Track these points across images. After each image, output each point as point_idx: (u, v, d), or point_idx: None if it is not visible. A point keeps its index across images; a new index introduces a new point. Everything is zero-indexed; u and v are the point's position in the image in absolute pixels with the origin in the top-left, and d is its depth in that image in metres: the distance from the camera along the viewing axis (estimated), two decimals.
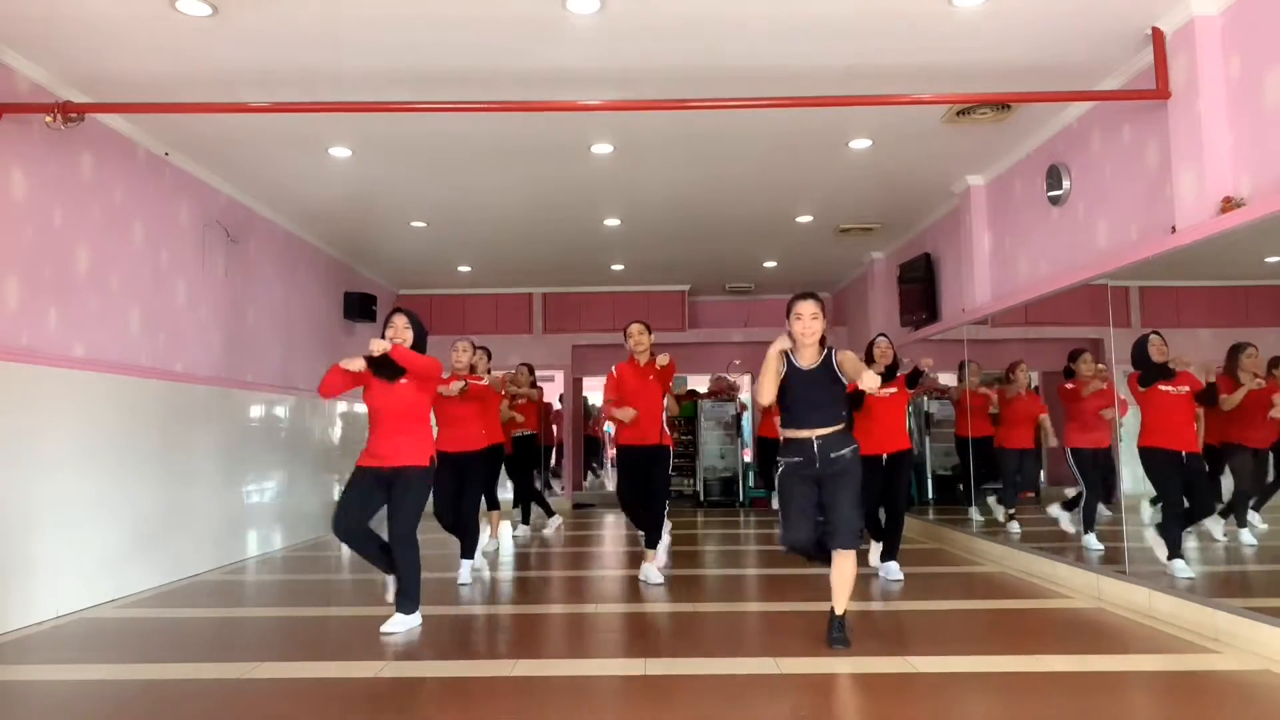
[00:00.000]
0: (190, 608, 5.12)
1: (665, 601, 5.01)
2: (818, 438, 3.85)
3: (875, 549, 5.89)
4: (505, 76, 4.98)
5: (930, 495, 8.46)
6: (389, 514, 4.35)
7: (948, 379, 8.44)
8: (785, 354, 3.91)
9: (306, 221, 8.09)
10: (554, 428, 11.83)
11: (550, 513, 8.19)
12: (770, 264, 10.24)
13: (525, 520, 8.43)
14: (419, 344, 4.47)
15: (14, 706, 3.32)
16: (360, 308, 9.60)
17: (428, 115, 5.42)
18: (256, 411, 7.29)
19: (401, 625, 4.29)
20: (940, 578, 5.70)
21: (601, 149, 6.22)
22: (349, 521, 4.32)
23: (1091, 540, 5.60)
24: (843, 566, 3.89)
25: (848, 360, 3.86)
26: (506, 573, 6.29)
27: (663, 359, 5.47)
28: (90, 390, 5.13)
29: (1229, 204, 4.09)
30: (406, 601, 4.33)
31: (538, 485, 8.73)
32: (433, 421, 4.71)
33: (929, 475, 8.51)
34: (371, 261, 9.86)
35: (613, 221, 8.25)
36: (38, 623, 4.60)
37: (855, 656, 3.73)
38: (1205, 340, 5.13)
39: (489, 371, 6.73)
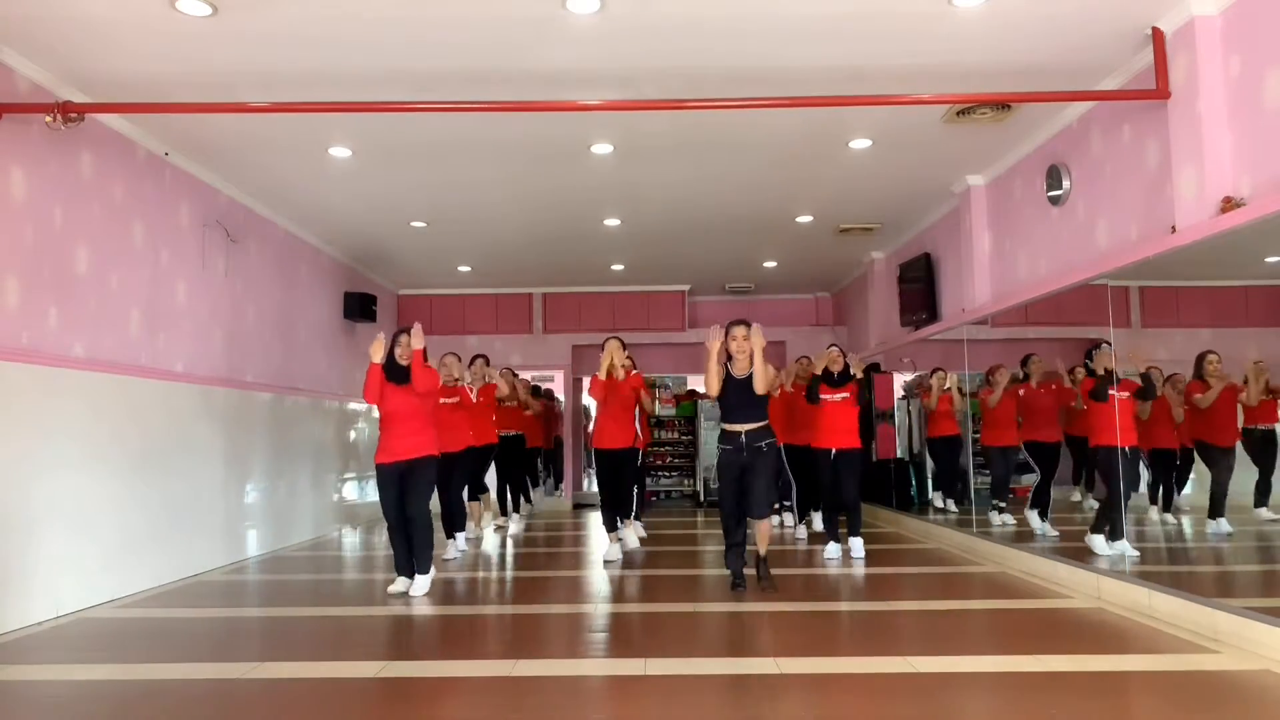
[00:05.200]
0: (190, 608, 5.12)
1: (665, 601, 5.01)
2: (746, 432, 5.11)
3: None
4: (505, 76, 4.98)
5: (930, 495, 8.45)
6: (408, 497, 5.25)
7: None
8: (725, 365, 5.15)
9: (306, 221, 8.09)
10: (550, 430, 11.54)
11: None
12: (770, 264, 10.24)
13: (512, 511, 8.99)
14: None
15: (14, 706, 3.32)
16: (360, 308, 9.60)
17: (428, 115, 5.42)
18: (256, 411, 7.28)
19: (425, 585, 5.24)
20: (940, 578, 5.70)
21: (601, 149, 6.22)
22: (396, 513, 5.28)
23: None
24: (760, 525, 5.23)
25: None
26: (504, 572, 6.29)
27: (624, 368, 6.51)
28: (90, 390, 5.13)
29: (1229, 204, 4.09)
30: (427, 563, 5.29)
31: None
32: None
33: (929, 475, 8.50)
34: (371, 261, 9.86)
35: (613, 221, 8.25)
36: (37, 623, 4.60)
37: (855, 656, 3.74)
38: (1205, 340, 5.13)
39: (484, 377, 7.45)
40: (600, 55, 4.76)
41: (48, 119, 4.70)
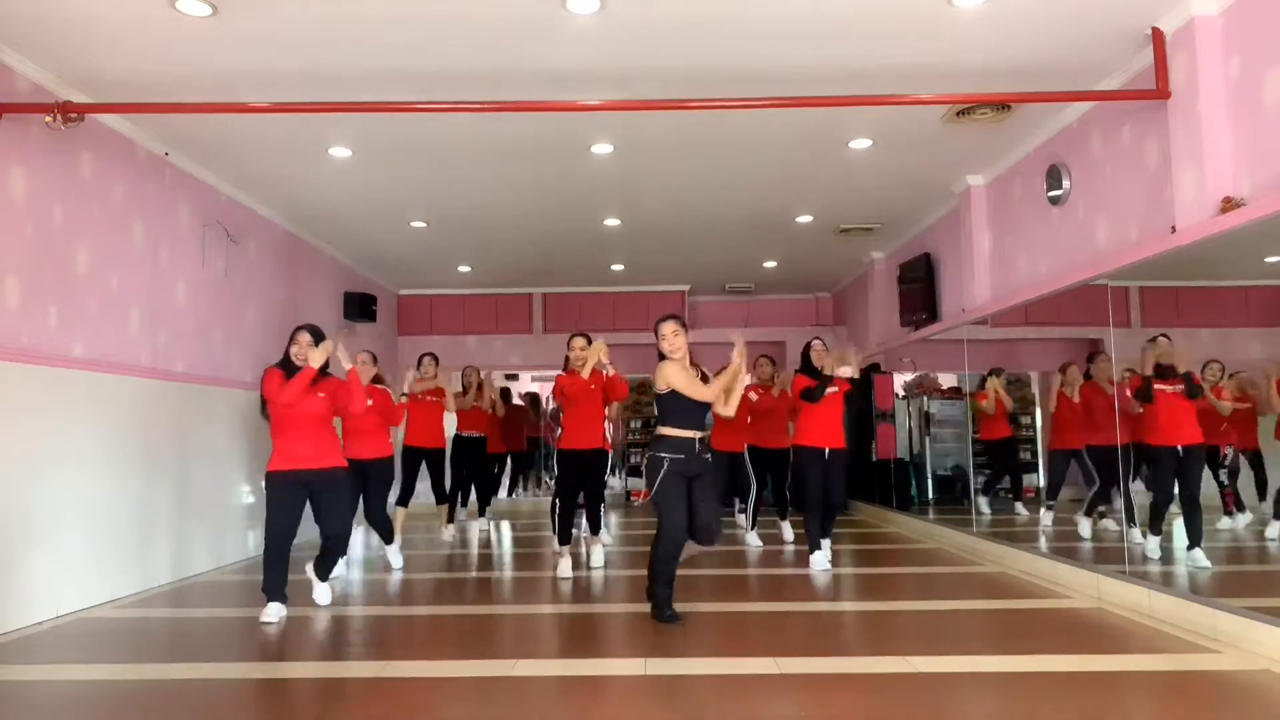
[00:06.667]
0: (190, 608, 5.12)
1: None
2: (698, 438, 4.51)
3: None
4: (505, 76, 4.98)
5: (931, 495, 8.46)
6: (331, 519, 4.78)
7: (946, 379, 8.47)
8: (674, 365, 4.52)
9: (306, 221, 8.09)
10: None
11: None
12: (770, 264, 10.24)
13: (480, 513, 8.71)
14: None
15: (14, 706, 3.32)
16: (360, 308, 9.60)
17: (428, 115, 5.42)
18: (256, 411, 7.26)
19: (329, 594, 4.98)
20: (940, 578, 5.70)
21: (601, 149, 6.22)
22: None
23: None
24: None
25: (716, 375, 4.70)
26: (503, 572, 6.29)
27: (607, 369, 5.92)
28: (90, 390, 5.13)
29: (1229, 204, 4.09)
30: (329, 573, 4.99)
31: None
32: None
33: (929, 475, 8.50)
34: (371, 261, 9.86)
35: (613, 221, 8.25)
36: (37, 623, 4.60)
37: (855, 656, 3.74)
38: (1205, 340, 5.13)
39: (434, 376, 7.46)
40: (600, 55, 4.76)
41: (48, 119, 4.70)
